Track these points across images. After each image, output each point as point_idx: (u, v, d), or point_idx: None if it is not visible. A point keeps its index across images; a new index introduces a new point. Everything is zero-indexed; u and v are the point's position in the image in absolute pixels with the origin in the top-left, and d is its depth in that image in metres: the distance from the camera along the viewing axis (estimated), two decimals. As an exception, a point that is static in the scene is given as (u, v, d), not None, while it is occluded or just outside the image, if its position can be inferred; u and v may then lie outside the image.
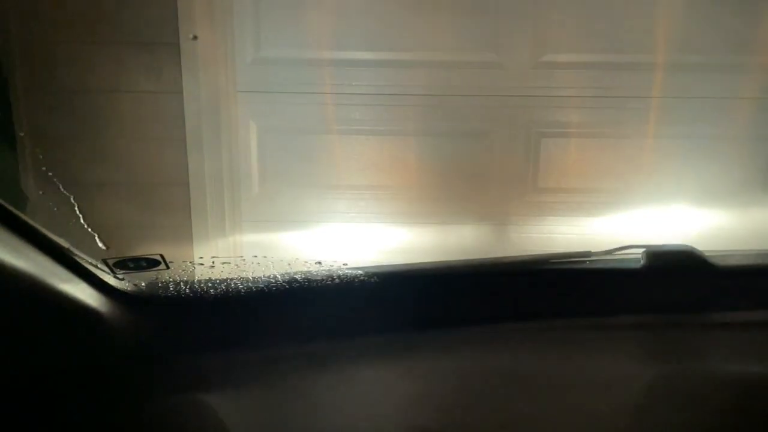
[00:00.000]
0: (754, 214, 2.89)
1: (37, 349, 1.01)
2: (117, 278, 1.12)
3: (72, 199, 1.21)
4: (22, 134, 2.79)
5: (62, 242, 1.00)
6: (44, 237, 0.95)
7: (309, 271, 1.21)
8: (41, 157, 2.82)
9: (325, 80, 2.90)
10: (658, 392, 1.23)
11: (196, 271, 1.21)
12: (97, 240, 1.17)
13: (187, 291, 1.17)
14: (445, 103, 2.89)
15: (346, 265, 1.26)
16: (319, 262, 1.25)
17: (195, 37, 2.68)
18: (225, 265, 1.23)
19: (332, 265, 1.26)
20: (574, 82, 2.86)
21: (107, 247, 1.14)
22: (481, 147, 2.94)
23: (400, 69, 2.86)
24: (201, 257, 1.19)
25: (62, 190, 1.23)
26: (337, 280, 1.21)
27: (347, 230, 3.01)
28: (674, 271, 1.31)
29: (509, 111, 2.89)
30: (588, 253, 1.34)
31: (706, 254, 1.33)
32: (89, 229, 1.18)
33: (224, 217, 2.96)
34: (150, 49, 2.75)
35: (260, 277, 1.19)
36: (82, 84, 2.78)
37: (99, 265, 1.10)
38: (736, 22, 2.76)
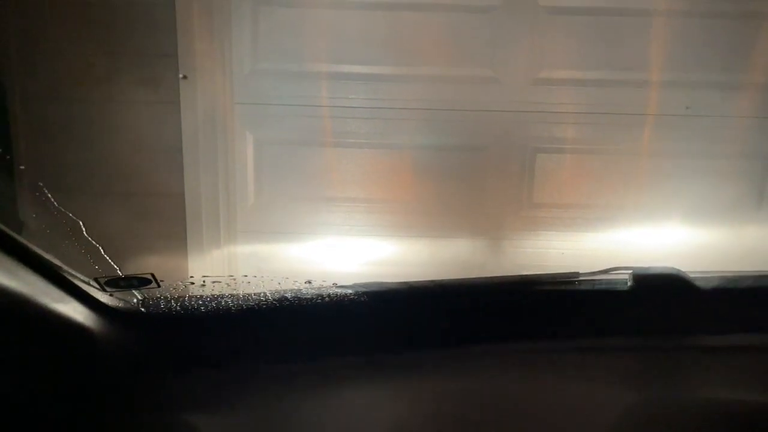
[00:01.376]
0: (748, 233, 2.90)
1: (28, 367, 1.02)
2: (108, 295, 1.13)
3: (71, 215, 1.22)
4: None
5: (53, 260, 1.01)
6: (35, 256, 0.96)
7: (299, 290, 1.22)
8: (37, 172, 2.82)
9: (321, 93, 2.91)
10: (641, 417, 1.24)
11: (186, 289, 1.21)
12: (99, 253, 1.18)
13: (178, 308, 1.18)
14: (441, 118, 2.91)
15: (336, 284, 1.27)
16: (309, 282, 1.26)
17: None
18: (216, 284, 1.24)
19: (323, 284, 1.27)
20: (570, 98, 2.87)
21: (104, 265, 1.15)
22: (477, 161, 2.95)
23: (396, 83, 2.88)
24: (192, 276, 1.20)
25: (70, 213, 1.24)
26: (327, 299, 1.22)
27: (342, 243, 3.02)
28: (660, 294, 1.31)
29: (505, 126, 2.90)
30: (575, 275, 1.34)
31: (692, 276, 1.33)
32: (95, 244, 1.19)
33: (219, 228, 2.97)
34: (148, 60, 2.76)
35: (251, 295, 1.20)
36: (80, 94, 2.79)
37: (91, 283, 1.11)
38: (731, 40, 2.78)
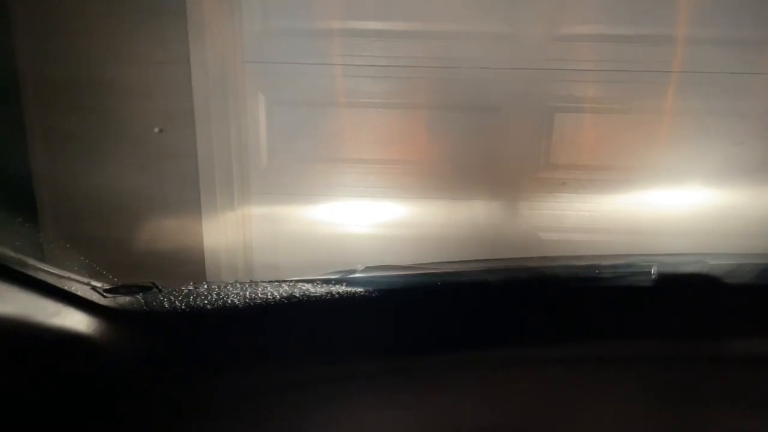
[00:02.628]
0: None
1: (36, 386, 0.99)
2: (106, 298, 1.09)
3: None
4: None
5: (43, 267, 0.97)
6: (20, 271, 0.92)
7: (308, 288, 1.18)
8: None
9: (334, 51, 2.84)
10: None
11: (190, 293, 1.17)
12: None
13: (183, 307, 1.14)
14: (457, 76, 2.82)
15: (343, 273, 1.22)
16: (315, 281, 1.21)
17: None
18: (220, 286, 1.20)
19: (330, 277, 1.22)
20: (591, 54, 2.77)
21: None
22: (494, 121, 2.88)
23: (411, 40, 2.79)
24: (193, 282, 1.16)
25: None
26: (336, 296, 1.17)
27: (356, 204, 2.98)
28: (688, 294, 1.21)
29: (523, 84, 2.82)
30: (594, 268, 1.27)
31: (722, 267, 1.24)
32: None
33: (233, 190, 2.94)
34: (157, 18, 2.70)
35: (257, 293, 1.16)
36: (88, 55, 2.74)
37: (91, 284, 1.08)
38: (759, -6, 2.67)
